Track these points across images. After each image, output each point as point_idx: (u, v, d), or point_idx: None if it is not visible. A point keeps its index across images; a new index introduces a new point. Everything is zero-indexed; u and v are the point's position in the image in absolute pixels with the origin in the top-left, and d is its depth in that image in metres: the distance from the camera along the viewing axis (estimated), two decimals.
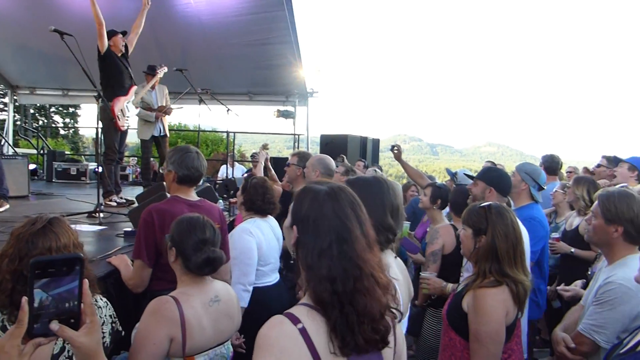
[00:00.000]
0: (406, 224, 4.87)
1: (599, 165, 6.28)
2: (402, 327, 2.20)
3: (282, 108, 12.50)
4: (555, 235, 4.86)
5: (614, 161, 5.34)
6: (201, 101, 8.28)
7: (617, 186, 3.13)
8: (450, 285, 3.55)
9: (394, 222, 2.15)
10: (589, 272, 3.48)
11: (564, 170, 7.49)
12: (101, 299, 2.26)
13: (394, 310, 1.57)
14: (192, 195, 3.24)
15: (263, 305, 3.26)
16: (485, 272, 2.59)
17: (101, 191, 5.84)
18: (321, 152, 5.78)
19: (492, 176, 3.91)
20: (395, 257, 2.29)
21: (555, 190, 5.48)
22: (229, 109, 8.54)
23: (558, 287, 3.38)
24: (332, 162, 4.51)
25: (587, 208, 4.73)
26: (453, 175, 5.21)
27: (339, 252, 1.49)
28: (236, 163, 11.89)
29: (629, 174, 4.73)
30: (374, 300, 1.48)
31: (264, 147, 5.88)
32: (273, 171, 5.91)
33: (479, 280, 2.60)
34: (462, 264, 3.65)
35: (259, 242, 3.59)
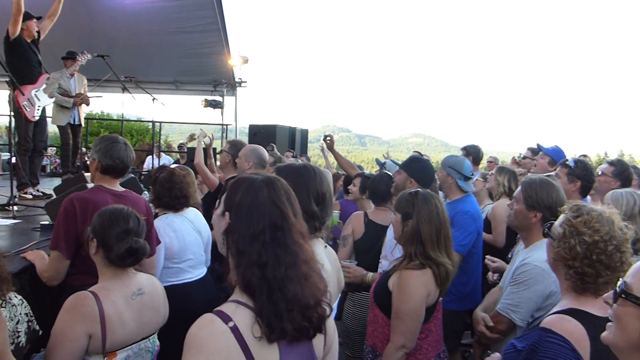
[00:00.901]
0: (336, 213, 4.93)
1: (524, 157, 6.62)
2: (331, 316, 2.24)
3: (210, 98, 12.25)
4: None
5: (537, 152, 5.64)
6: (125, 89, 7.98)
7: (543, 175, 3.30)
8: (370, 274, 3.63)
9: (320, 209, 2.17)
10: (509, 256, 3.64)
11: (484, 161, 7.84)
12: (16, 297, 2.13)
13: (326, 301, 1.58)
14: (117, 186, 3.12)
15: (184, 303, 3.12)
16: (411, 254, 2.73)
17: (15, 183, 5.49)
18: (250, 143, 5.71)
19: (414, 168, 4.02)
20: (325, 246, 2.31)
21: (476, 179, 5.72)
22: (154, 98, 8.29)
23: (487, 257, 3.54)
24: (265, 153, 4.49)
25: (504, 195, 4.99)
26: (382, 165, 5.32)
27: (272, 239, 1.49)
28: (163, 154, 11.55)
29: (549, 168, 4.97)
30: (308, 288, 1.49)
31: (191, 137, 5.75)
32: (213, 160, 5.75)
33: (405, 262, 2.74)
34: (371, 250, 3.79)
35: (168, 242, 3.49)
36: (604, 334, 1.39)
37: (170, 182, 3.60)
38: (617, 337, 1.33)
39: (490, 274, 3.62)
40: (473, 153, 6.72)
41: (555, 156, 5.14)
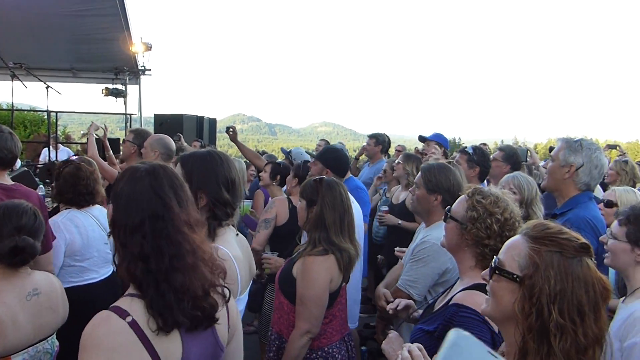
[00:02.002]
0: (248, 202, 4.89)
1: (430, 151, 6.90)
2: (241, 304, 2.22)
3: (111, 86, 11.60)
4: (385, 208, 5.24)
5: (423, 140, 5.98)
6: (14, 77, 7.41)
7: (440, 161, 3.49)
8: None
9: (230, 196, 2.15)
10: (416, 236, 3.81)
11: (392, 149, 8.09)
12: None
13: (222, 289, 1.59)
14: (6, 179, 2.94)
15: (89, 305, 2.97)
16: (315, 240, 2.77)
17: None
18: (155, 133, 5.54)
19: (329, 158, 4.11)
20: (237, 234, 2.30)
21: (385, 170, 5.87)
22: (48, 86, 7.76)
23: (396, 248, 3.64)
24: (172, 143, 4.38)
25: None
26: (287, 153, 5.38)
27: (153, 230, 1.46)
28: (61, 145, 10.87)
29: (440, 150, 5.30)
30: (196, 277, 1.47)
31: (84, 135, 5.47)
32: (111, 151, 5.50)
33: (309, 248, 2.78)
34: (294, 238, 3.82)
35: (70, 237, 3.35)
36: (482, 306, 1.52)
37: (75, 178, 3.45)
38: (494, 309, 1.46)
39: (379, 257, 3.78)
40: (382, 142, 6.91)
41: (440, 140, 5.55)
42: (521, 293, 1.37)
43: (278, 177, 4.65)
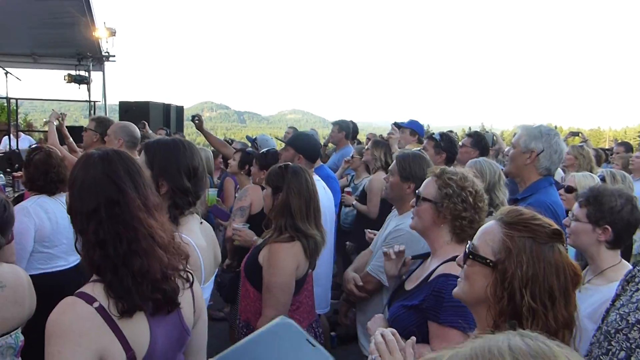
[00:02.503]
0: (213, 192, 4.85)
1: (390, 133, 6.93)
2: (206, 292, 2.22)
3: (74, 72, 11.30)
4: (348, 189, 5.33)
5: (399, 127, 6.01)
6: None
7: (414, 149, 3.53)
8: (260, 241, 3.61)
9: (193, 184, 2.15)
10: (386, 224, 3.85)
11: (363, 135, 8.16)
12: None
13: (185, 273, 1.60)
14: None
15: (56, 293, 2.93)
16: (281, 227, 2.77)
17: None
18: (121, 120, 5.47)
19: (301, 144, 4.11)
20: (202, 222, 2.30)
21: (352, 156, 5.89)
22: (8, 72, 7.53)
23: (367, 230, 3.67)
24: (137, 130, 4.30)
25: (381, 168, 5.24)
26: (253, 141, 5.37)
27: (109, 215, 1.46)
28: (22, 134, 10.56)
29: (411, 138, 5.34)
30: (154, 261, 1.48)
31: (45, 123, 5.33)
32: (71, 139, 5.38)
33: (275, 235, 2.78)
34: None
35: (39, 222, 3.31)
36: (455, 289, 1.56)
37: (46, 165, 3.40)
38: (467, 292, 1.50)
39: (348, 243, 3.83)
40: (345, 128, 6.93)
41: (415, 127, 5.60)
42: (494, 277, 1.41)
43: (247, 166, 4.63)
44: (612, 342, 1.64)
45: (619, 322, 1.65)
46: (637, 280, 1.75)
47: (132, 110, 9.59)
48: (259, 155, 4.23)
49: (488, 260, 1.43)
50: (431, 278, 2.24)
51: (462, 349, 0.79)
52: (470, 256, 1.48)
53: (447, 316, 2.07)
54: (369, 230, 3.65)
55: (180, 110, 11.53)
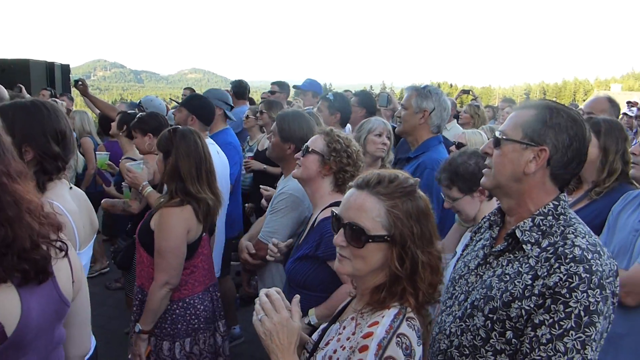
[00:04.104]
0: (105, 155, 4.60)
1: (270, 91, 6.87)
2: (84, 258, 2.15)
3: None
4: (250, 154, 5.26)
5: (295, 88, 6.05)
6: None
7: (305, 109, 3.52)
8: (150, 189, 3.47)
9: (61, 149, 2.07)
10: (277, 184, 3.86)
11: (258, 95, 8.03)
12: None
13: (58, 242, 1.53)
14: None
15: None
16: (172, 192, 2.77)
17: None
18: None
19: (195, 105, 4.01)
20: (71, 187, 2.22)
21: (247, 116, 5.80)
22: None
23: (261, 186, 3.65)
24: (4, 92, 3.95)
25: None
26: (138, 105, 5.17)
27: None
28: None
29: (313, 101, 5.36)
30: (21, 229, 1.40)
31: None
32: None
33: (166, 200, 2.78)
34: None
35: None
36: (339, 267, 1.59)
37: None
38: (361, 269, 1.55)
39: (263, 201, 3.80)
40: (235, 87, 6.84)
41: (315, 89, 5.64)
42: (395, 249, 1.49)
43: (125, 126, 4.39)
44: (456, 287, 1.79)
45: (462, 269, 1.81)
46: (482, 231, 1.88)
47: (9, 70, 8.77)
48: (138, 120, 3.94)
49: (385, 237, 1.48)
50: (315, 225, 2.39)
51: None
52: (370, 240, 1.49)
53: None
54: (263, 186, 3.64)
55: (66, 69, 10.71)
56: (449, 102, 3.41)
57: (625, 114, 5.51)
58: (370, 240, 1.49)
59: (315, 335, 1.73)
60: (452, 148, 3.98)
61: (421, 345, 1.47)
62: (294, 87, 6.10)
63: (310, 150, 2.52)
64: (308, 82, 5.91)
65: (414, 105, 3.26)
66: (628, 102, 5.82)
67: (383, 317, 1.45)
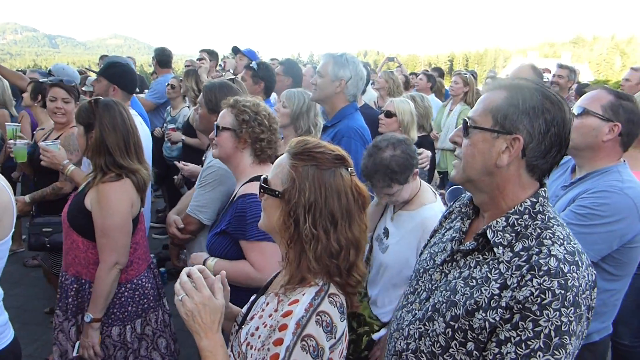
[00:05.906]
0: (15, 126, 4.42)
1: (200, 59, 6.77)
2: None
3: None
4: (172, 126, 5.23)
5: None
6: None
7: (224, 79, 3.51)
8: (73, 167, 3.36)
9: None
10: (203, 158, 3.87)
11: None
12: None
13: None
14: None
15: None
16: (101, 167, 2.60)
17: None
18: None
19: (115, 73, 3.77)
20: None
21: (172, 86, 5.72)
22: None
23: (176, 162, 3.61)
24: None
25: (196, 98, 5.20)
26: (48, 73, 4.97)
27: None
28: None
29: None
30: None
31: None
32: None
33: (99, 176, 2.59)
34: None
35: None
36: (259, 221, 1.62)
37: None
38: (265, 224, 1.58)
39: (176, 177, 3.82)
40: (158, 55, 6.74)
41: (251, 57, 5.67)
42: (282, 207, 1.47)
43: (39, 96, 4.24)
44: (420, 282, 1.69)
45: (428, 262, 1.70)
46: (452, 217, 1.79)
47: None
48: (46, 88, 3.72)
49: (277, 192, 1.48)
50: (234, 201, 2.39)
51: None
52: (262, 190, 1.52)
53: (252, 232, 2.24)
54: (181, 162, 3.60)
55: None
56: (365, 71, 3.43)
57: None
58: (262, 191, 1.52)
59: (245, 308, 1.71)
60: (381, 117, 4.12)
61: (345, 320, 1.46)
62: (234, 48, 6.06)
63: (221, 128, 2.48)
64: (247, 50, 5.93)
65: (330, 74, 3.24)
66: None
67: (304, 294, 1.43)
